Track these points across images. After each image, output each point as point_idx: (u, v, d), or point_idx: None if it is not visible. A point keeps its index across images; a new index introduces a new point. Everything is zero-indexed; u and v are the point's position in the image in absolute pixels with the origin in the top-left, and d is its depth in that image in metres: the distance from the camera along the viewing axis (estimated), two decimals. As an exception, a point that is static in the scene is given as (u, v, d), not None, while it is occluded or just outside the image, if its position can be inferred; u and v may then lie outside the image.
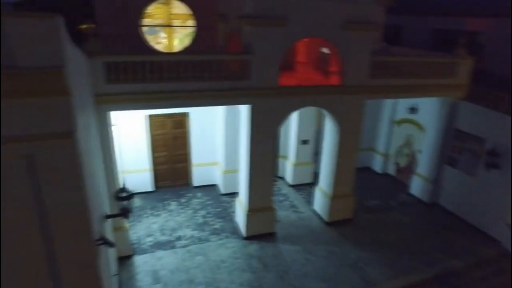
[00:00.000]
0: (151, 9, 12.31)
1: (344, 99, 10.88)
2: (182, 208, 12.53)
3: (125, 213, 7.94)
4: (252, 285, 9.44)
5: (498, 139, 11.16)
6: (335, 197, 11.86)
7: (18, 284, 5.05)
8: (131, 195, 7.89)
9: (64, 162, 4.80)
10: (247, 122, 10.23)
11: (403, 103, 14.40)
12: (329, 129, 11.61)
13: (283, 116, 10.50)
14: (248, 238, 11.15)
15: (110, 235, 9.29)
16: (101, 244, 5.61)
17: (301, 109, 12.59)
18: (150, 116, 12.48)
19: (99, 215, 6.47)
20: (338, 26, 10.06)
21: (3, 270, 4.87)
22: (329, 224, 12.05)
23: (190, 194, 13.40)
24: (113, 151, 9.38)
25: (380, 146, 15.62)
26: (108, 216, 7.79)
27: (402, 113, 14.63)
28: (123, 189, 7.86)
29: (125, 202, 7.81)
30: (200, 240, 11.01)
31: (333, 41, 10.32)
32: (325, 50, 12.41)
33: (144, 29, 12.43)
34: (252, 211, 10.95)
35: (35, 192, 4.74)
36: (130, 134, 12.35)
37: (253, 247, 10.87)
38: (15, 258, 4.90)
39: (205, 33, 13.15)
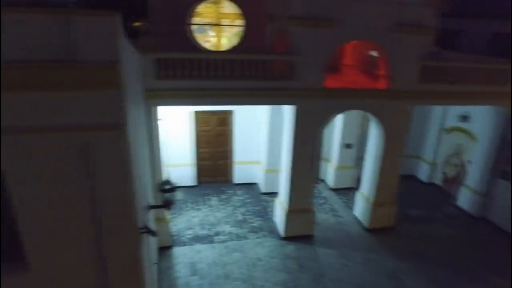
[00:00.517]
0: (201, 8, 12.62)
1: (391, 104, 10.62)
2: (222, 204, 12.77)
3: (167, 205, 8.24)
4: (286, 285, 9.46)
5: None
6: (376, 204, 11.60)
7: (67, 265, 5.40)
8: (174, 188, 8.20)
9: (114, 152, 5.08)
10: (291, 122, 10.26)
11: (454, 110, 13.80)
12: (374, 133, 11.38)
13: (327, 118, 10.43)
14: (286, 238, 11.17)
15: (152, 225, 9.71)
16: (144, 232, 5.87)
17: (346, 112, 12.48)
18: (196, 113, 12.81)
19: (144, 205, 6.76)
20: (388, 29, 9.83)
21: (54, 251, 5.23)
22: (369, 230, 11.81)
23: (231, 191, 13.63)
24: (159, 145, 9.72)
25: (427, 154, 15.06)
26: (152, 207, 8.12)
27: (452, 121, 14.01)
28: (167, 182, 8.19)
29: (168, 194, 8.14)
30: (238, 237, 11.17)
31: (381, 44, 10.11)
32: (373, 53, 12.18)
33: (194, 27, 12.76)
34: (292, 212, 10.96)
35: (88, 179, 5.05)
36: (176, 129, 12.76)
37: (290, 247, 10.88)
38: (66, 238, 5.24)
39: (252, 33, 13.28)
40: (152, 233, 6.14)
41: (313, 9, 9.30)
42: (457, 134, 13.88)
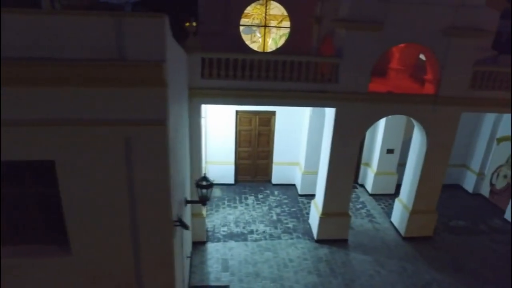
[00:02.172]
0: (249, 9, 12.85)
1: (438, 110, 10.26)
2: (258, 204, 12.93)
3: (203, 200, 8.50)
4: (316, 288, 9.47)
5: None
6: (414, 212, 11.26)
7: (105, 251, 5.77)
8: (210, 184, 8.42)
9: (154, 146, 5.34)
10: (331, 125, 10.21)
11: (508, 119, 13.07)
12: (417, 140, 11.06)
13: (369, 122, 10.29)
14: (319, 241, 11.14)
15: (188, 220, 10.05)
16: (177, 225, 6.13)
17: (389, 116, 12.21)
18: (238, 112, 13.05)
19: (180, 199, 7.04)
20: (440, 32, 9.51)
21: (95, 238, 5.61)
22: (406, 239, 11.50)
23: (268, 191, 13.76)
24: (201, 142, 10.03)
25: (475, 163, 14.37)
26: (188, 202, 8.42)
27: (505, 130, 13.28)
28: (204, 178, 8.44)
29: (204, 191, 8.41)
30: (272, 236, 11.29)
31: (431, 48, 9.80)
32: (422, 57, 11.82)
33: (242, 28, 13.02)
34: (326, 215, 10.91)
35: (129, 171, 5.37)
36: (217, 127, 13.07)
37: (323, 250, 10.84)
38: (105, 227, 5.60)
39: (299, 35, 13.35)
40: (185, 226, 6.39)
41: (361, 11, 9.18)
42: (509, 144, 13.14)
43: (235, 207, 12.64)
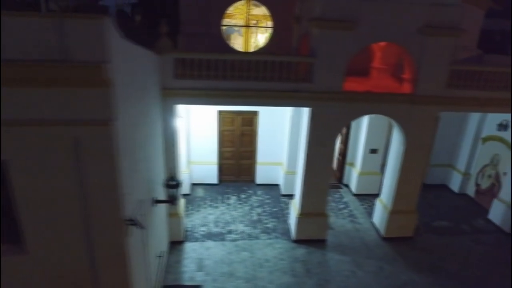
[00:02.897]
0: (231, 9, 12.85)
1: (415, 109, 10.18)
2: (240, 204, 12.93)
3: (172, 200, 8.57)
4: (289, 289, 9.44)
5: None
6: (394, 212, 11.18)
7: (60, 249, 5.81)
8: (178, 184, 8.48)
9: (102, 146, 5.37)
10: (307, 125, 10.18)
11: (492, 118, 12.94)
12: (396, 139, 10.98)
13: (345, 122, 10.26)
14: (298, 241, 11.10)
15: (163, 220, 10.10)
16: (131, 224, 6.14)
17: (373, 116, 12.17)
18: (220, 112, 13.06)
19: (141, 198, 7.06)
20: (415, 30, 9.44)
21: (49, 236, 5.66)
22: (386, 239, 11.42)
23: (251, 191, 13.75)
24: (176, 142, 10.01)
25: (461, 163, 14.23)
26: (157, 201, 8.44)
27: (490, 129, 13.14)
28: (173, 178, 8.48)
29: (172, 190, 8.45)
30: (250, 236, 11.27)
31: (406, 47, 9.72)
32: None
33: (224, 28, 13.02)
34: (304, 215, 10.88)
35: (78, 170, 5.40)
36: (200, 128, 13.09)
37: (301, 251, 10.80)
38: (59, 225, 5.64)
39: (281, 34, 13.33)
40: (140, 225, 6.40)
41: (333, 10, 9.12)
42: (494, 143, 13.00)
43: (217, 207, 12.65)
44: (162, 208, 9.62)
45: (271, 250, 10.75)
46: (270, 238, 11.25)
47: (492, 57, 13.46)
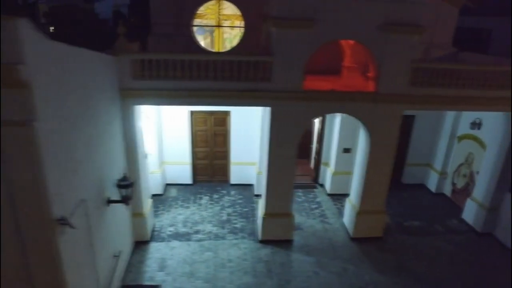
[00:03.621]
0: (202, 9, 12.84)
1: (378, 108, 10.07)
2: (211, 204, 12.91)
3: (125, 200, 8.59)
4: (248, 289, 9.39)
5: None
6: (362, 212, 11.07)
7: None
8: (130, 184, 8.49)
9: (22, 146, 5.42)
10: (268, 124, 10.14)
11: (467, 117, 12.75)
12: (362, 139, 10.89)
13: (306, 121, 10.18)
14: (264, 242, 11.04)
15: (125, 220, 10.13)
16: (62, 224, 6.15)
17: (344, 115, 12.05)
18: (193, 112, 13.07)
19: (82, 198, 7.04)
20: (375, 28, 9.30)
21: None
22: (354, 240, 11.31)
23: (224, 191, 13.73)
24: (137, 142, 10.01)
25: (438, 163, 14.04)
26: (110, 201, 8.46)
27: (464, 128, 12.95)
28: (125, 178, 8.50)
29: (125, 190, 8.46)
30: (217, 236, 11.24)
31: (368, 44, 9.61)
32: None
33: (195, 28, 13.02)
34: (269, 215, 10.82)
35: (4, 171, 5.44)
36: (172, 128, 13.10)
37: (265, 251, 10.74)
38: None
39: (253, 34, 13.27)
40: (70, 225, 6.40)
41: (289, 9, 9.02)
42: (468, 142, 12.81)
43: (188, 207, 12.65)
44: (123, 208, 9.62)
45: (236, 251, 10.72)
46: (236, 239, 11.21)
47: (467, 55, 13.27)
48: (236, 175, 13.97)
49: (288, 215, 10.93)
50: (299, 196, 13.68)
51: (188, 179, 13.88)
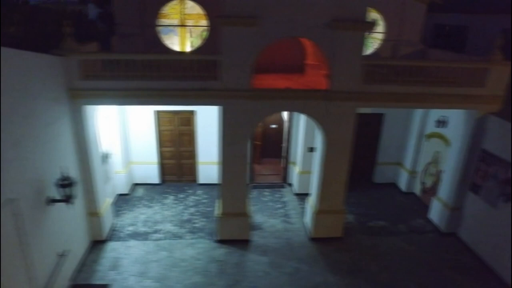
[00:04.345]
0: (166, 9, 12.85)
1: (331, 106, 9.94)
2: (175, 203, 12.91)
3: (67, 199, 8.62)
4: (196, 289, 9.36)
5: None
6: (320, 212, 10.94)
7: None
8: (71, 183, 8.53)
9: None
10: (219, 123, 10.09)
11: (433, 115, 12.52)
12: (318, 138, 10.77)
13: (257, 120, 10.08)
14: (221, 241, 11.00)
15: (80, 219, 10.20)
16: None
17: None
18: (158, 112, 13.09)
19: (11, 197, 7.09)
20: (322, 24, 9.18)
21: None
22: (313, 240, 11.19)
23: (191, 191, 13.72)
24: (89, 142, 10.02)
25: (407, 162, 13.81)
26: (53, 201, 8.51)
27: (431, 126, 12.72)
28: (65, 178, 8.53)
29: (66, 189, 8.50)
30: (175, 236, 11.23)
31: (317, 42, 9.50)
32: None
33: (159, 28, 13.04)
34: (225, 215, 10.77)
35: None
36: (138, 127, 13.14)
37: (221, 251, 10.69)
38: None
39: (217, 33, 13.21)
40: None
41: (235, 7, 8.95)
42: (435, 140, 12.58)
43: (151, 207, 12.67)
44: (74, 207, 9.66)
45: (191, 250, 10.69)
46: (194, 238, 11.19)
47: (435, 52, 13.02)
48: (204, 174, 13.94)
49: (245, 215, 10.86)
50: (265, 195, 13.60)
51: (156, 179, 13.91)
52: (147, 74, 9.49)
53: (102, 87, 9.52)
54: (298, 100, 9.95)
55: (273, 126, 15.70)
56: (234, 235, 10.96)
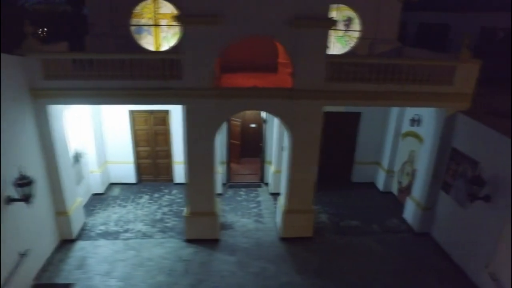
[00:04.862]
0: (139, 8, 12.85)
1: (296, 104, 9.85)
2: (150, 203, 12.90)
3: (26, 198, 8.63)
4: (159, 288, 9.33)
5: (492, 164, 8.85)
6: (289, 212, 10.86)
7: None
8: (30, 182, 8.54)
9: None
10: (183, 122, 10.05)
11: (408, 114, 12.38)
12: (286, 137, 10.68)
13: (221, 118, 10.03)
14: (190, 241, 10.96)
15: (49, 219, 10.23)
16: None
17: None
18: (132, 112, 13.08)
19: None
20: (285, 22, 9.10)
21: None
22: (284, 240, 11.11)
23: (167, 190, 13.71)
24: (55, 141, 9.97)
25: (385, 161, 13.68)
26: (12, 200, 8.52)
27: (407, 125, 12.58)
28: (23, 177, 8.55)
29: (24, 188, 8.50)
30: (145, 235, 11.22)
31: (280, 40, 9.45)
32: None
33: (133, 28, 13.04)
34: (192, 214, 10.74)
35: None
36: (113, 127, 13.15)
37: (189, 250, 10.65)
38: None
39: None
40: None
41: (196, 5, 8.90)
42: (411, 139, 12.44)
43: (125, 206, 12.66)
44: (39, 206, 9.69)
45: (159, 249, 10.66)
46: (163, 237, 11.16)
47: (411, 50, 12.88)
48: (180, 174, 13.86)
49: (213, 215, 10.81)
50: (241, 195, 13.55)
51: (133, 178, 13.92)
52: (109, 73, 9.48)
53: (65, 86, 9.52)
54: (262, 99, 9.89)
55: (253, 125, 15.65)
56: (203, 234, 10.92)
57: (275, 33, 9.30)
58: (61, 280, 9.56)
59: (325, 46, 9.42)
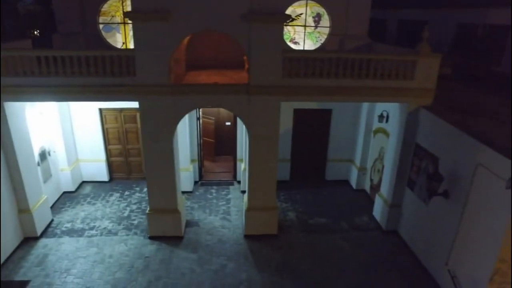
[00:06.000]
0: (105, 7, 12.85)
1: (252, 100, 9.76)
2: (119, 200, 12.88)
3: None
4: (115, 285, 9.24)
5: (451, 160, 8.69)
6: (251, 209, 10.78)
7: None
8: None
9: None
10: (139, 120, 10.01)
11: (377, 110, 12.23)
12: (246, 133, 10.62)
13: (178, 115, 9.96)
14: (153, 238, 10.92)
15: (12, 216, 10.26)
16: None
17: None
18: (101, 110, 13.08)
19: None
20: (238, 17, 9.00)
21: None
22: (248, 237, 11.02)
23: (138, 188, 13.68)
24: (13, 139, 9.90)
25: (357, 158, 13.53)
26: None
27: (376, 122, 12.44)
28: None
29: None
30: (109, 233, 11.20)
31: (234, 35, 9.34)
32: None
33: (101, 26, 13.05)
34: (154, 211, 10.70)
35: None
36: (83, 125, 13.15)
37: (151, 248, 10.61)
38: None
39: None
40: None
41: (145, 2, 8.80)
42: (380, 136, 12.29)
43: (94, 204, 12.66)
44: (3, 204, 9.72)
45: (122, 247, 10.63)
46: (128, 235, 11.14)
47: (381, 46, 12.73)
48: (152, 172, 13.86)
49: (175, 212, 10.76)
50: (211, 193, 13.49)
51: (105, 176, 13.92)
52: (68, 70, 9.46)
53: (20, 83, 9.50)
54: (219, 95, 9.82)
55: (228, 123, 15.58)
56: (166, 231, 10.87)
57: (228, 28, 9.22)
58: (18, 277, 9.56)
59: (280, 41, 9.33)
